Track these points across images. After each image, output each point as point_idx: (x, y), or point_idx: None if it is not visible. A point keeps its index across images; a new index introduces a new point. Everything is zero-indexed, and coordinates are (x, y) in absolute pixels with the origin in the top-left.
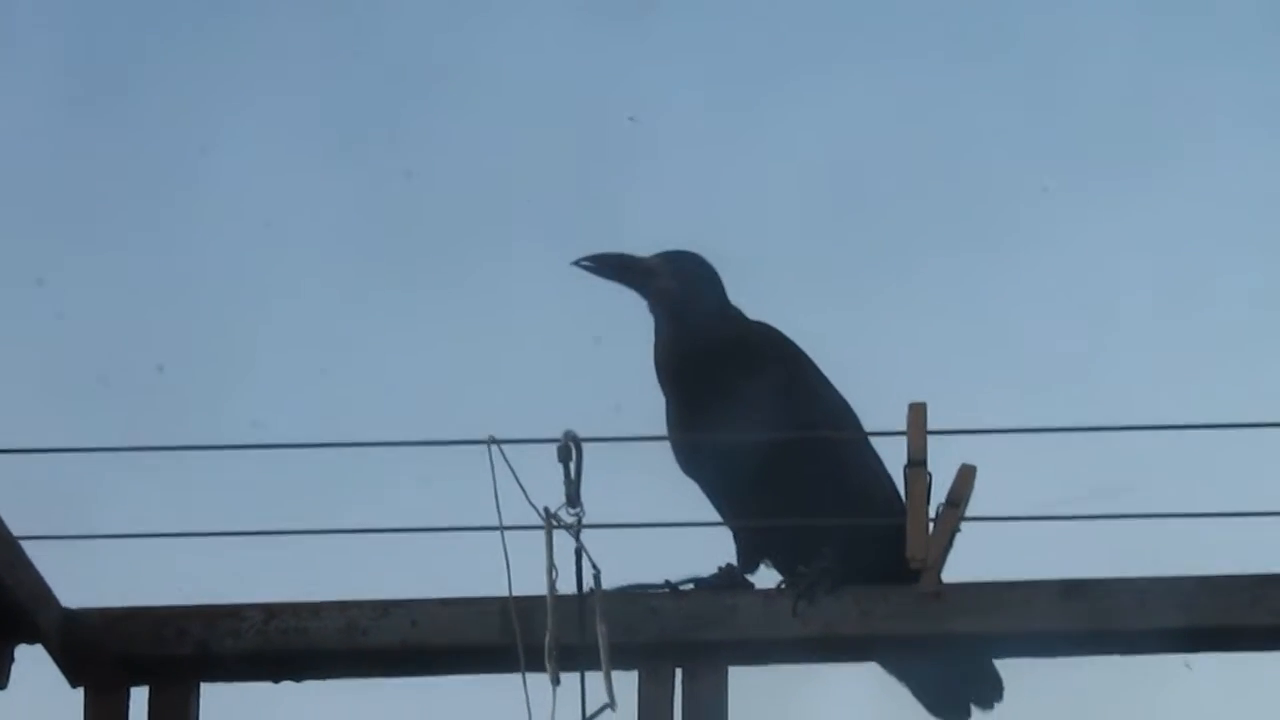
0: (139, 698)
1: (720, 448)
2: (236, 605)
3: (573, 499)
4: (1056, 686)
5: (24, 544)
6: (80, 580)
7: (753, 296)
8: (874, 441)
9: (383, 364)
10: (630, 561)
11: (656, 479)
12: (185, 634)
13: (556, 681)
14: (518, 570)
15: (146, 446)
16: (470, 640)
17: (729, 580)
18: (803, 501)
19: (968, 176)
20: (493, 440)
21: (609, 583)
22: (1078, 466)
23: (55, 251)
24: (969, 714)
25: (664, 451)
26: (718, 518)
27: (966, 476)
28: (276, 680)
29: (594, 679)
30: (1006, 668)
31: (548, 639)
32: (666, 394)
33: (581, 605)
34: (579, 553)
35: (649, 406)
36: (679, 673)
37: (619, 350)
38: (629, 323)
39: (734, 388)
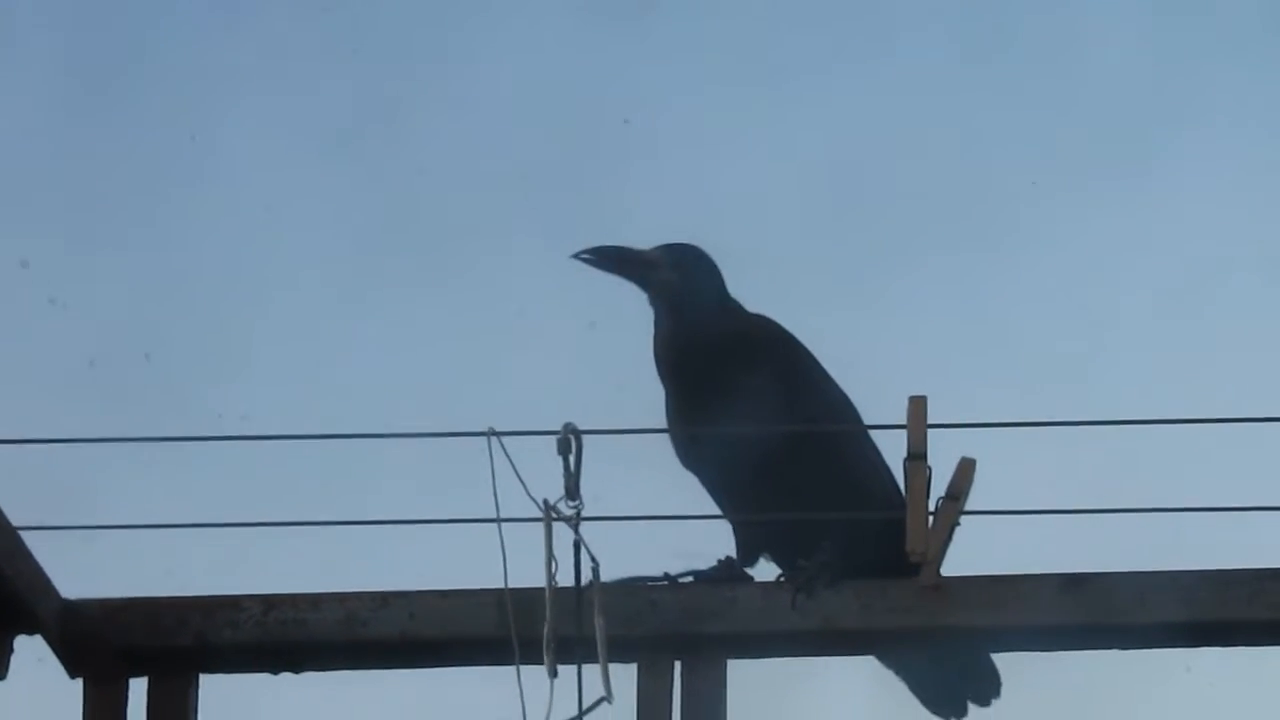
0: (138, 688)
1: (719, 441)
2: (235, 596)
3: (572, 491)
4: (1056, 681)
5: (23, 534)
6: (79, 571)
7: (753, 291)
8: (874, 435)
9: (382, 357)
10: (630, 554)
11: (657, 472)
12: (184, 625)
13: (554, 674)
14: (518, 563)
15: (147, 437)
16: (469, 632)
17: (728, 573)
18: (802, 495)
19: (969, 175)
20: (493, 432)
21: (609, 575)
22: (1078, 461)
23: (49, 241)
24: (966, 711)
25: (664, 444)
26: (717, 511)
27: (966, 470)
28: (275, 671)
29: (591, 672)
30: (1006, 662)
31: (546, 631)
32: (666, 387)
33: (580, 598)
34: (577, 545)
35: (649, 399)
36: (678, 665)
37: (618, 341)
38: (628, 313)
39: (733, 381)
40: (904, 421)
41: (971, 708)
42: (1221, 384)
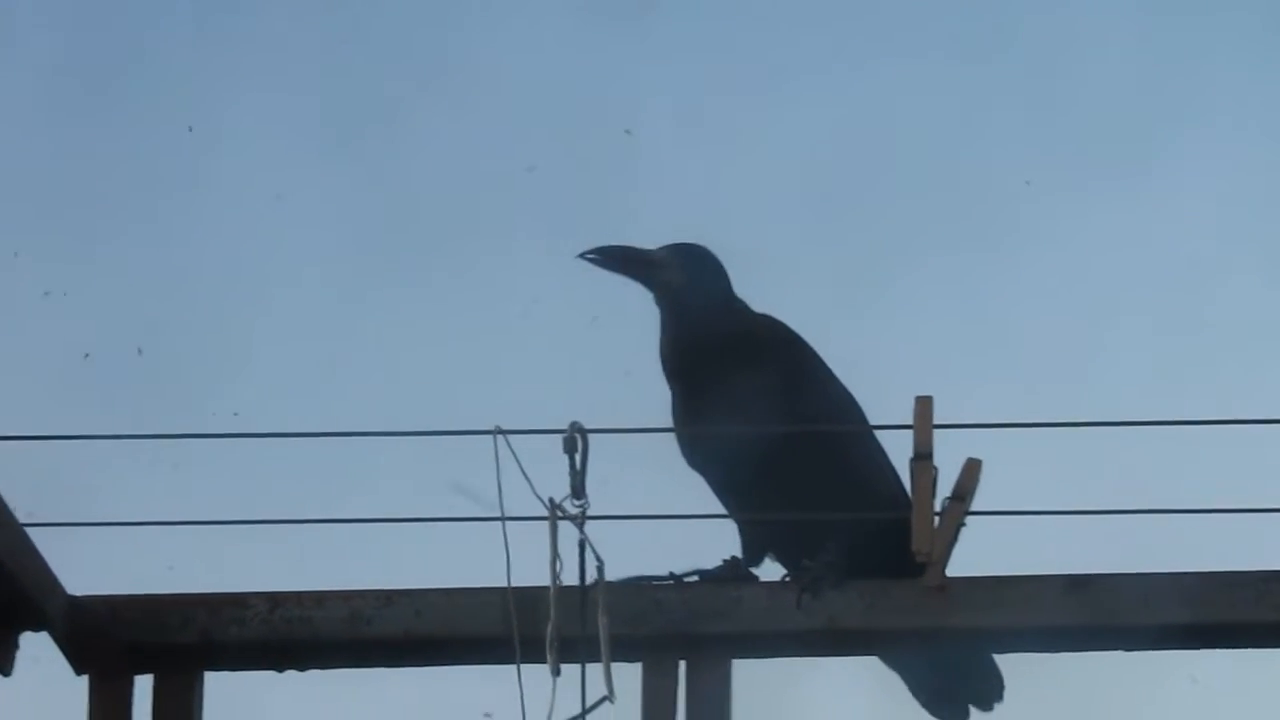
0: (143, 685)
1: (725, 441)
2: (241, 594)
3: (578, 490)
4: (1060, 682)
5: (29, 531)
6: (85, 567)
7: (756, 292)
8: (880, 435)
9: (388, 355)
10: (636, 553)
11: (662, 471)
12: (190, 622)
13: (557, 673)
14: (525, 561)
15: (152, 434)
16: (474, 631)
17: (734, 573)
18: (807, 495)
19: (971, 174)
20: (499, 430)
21: (613, 574)
22: (1082, 461)
23: (45, 236)
24: (968, 715)
25: (669, 444)
26: (723, 510)
27: (972, 470)
28: (280, 669)
29: (595, 671)
30: (1009, 663)
31: (549, 630)
32: (671, 386)
33: (584, 597)
34: (582, 544)
35: (655, 398)
36: (683, 665)
37: (623, 340)
38: (632, 311)
39: (738, 381)
40: (910, 421)
41: (973, 712)
42: (1225, 384)
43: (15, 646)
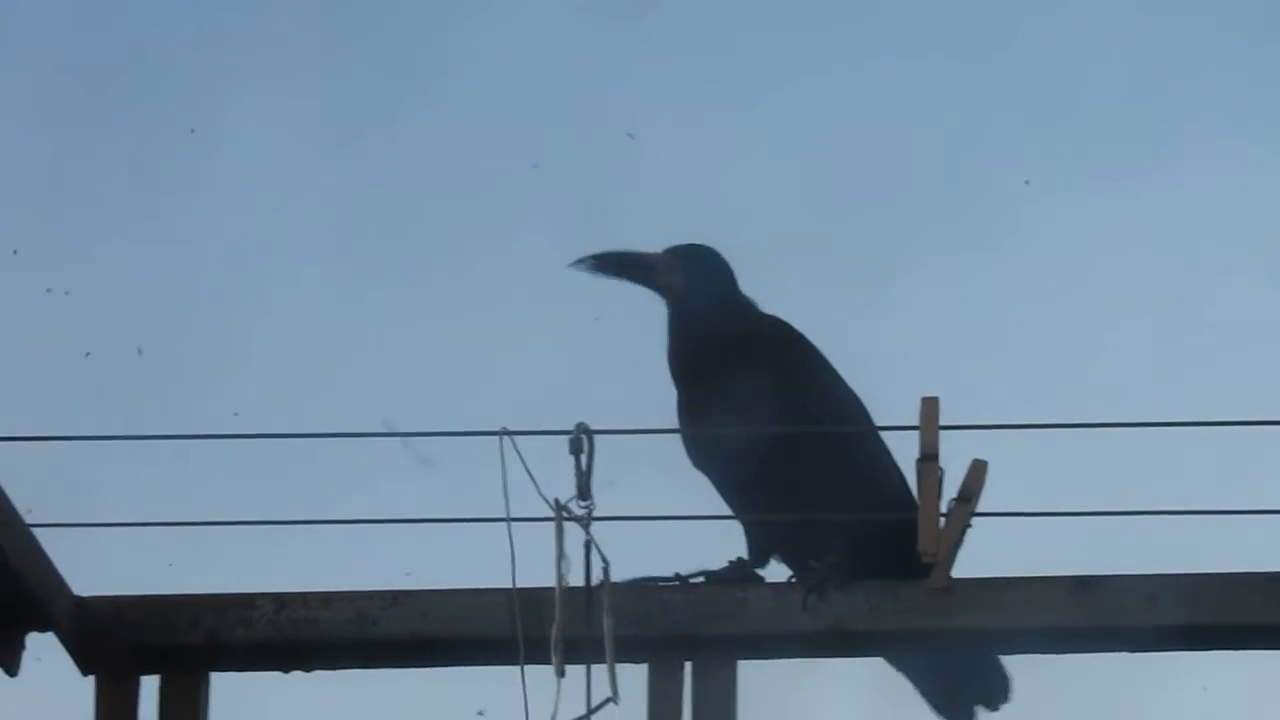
0: (150, 686)
1: (731, 442)
2: (247, 595)
3: (583, 491)
4: (1066, 682)
5: (36, 532)
6: (92, 568)
7: (758, 292)
8: (886, 436)
9: (393, 356)
10: (641, 554)
11: (668, 472)
12: (196, 623)
13: (561, 674)
14: (531, 562)
15: (157, 435)
16: (480, 631)
17: (739, 574)
18: (813, 496)
19: (973, 175)
20: (505, 432)
21: (619, 575)
22: (1087, 462)
23: (46, 235)
24: (974, 715)
25: (675, 445)
26: (728, 511)
27: (978, 472)
28: (286, 670)
29: (600, 672)
30: (1015, 663)
31: (554, 631)
32: (677, 388)
33: (590, 598)
34: (588, 545)
35: (661, 401)
36: (688, 666)
37: (628, 340)
38: (636, 309)
39: (742, 382)
40: (916, 422)
41: (980, 712)
42: (1230, 385)
43: (21, 647)
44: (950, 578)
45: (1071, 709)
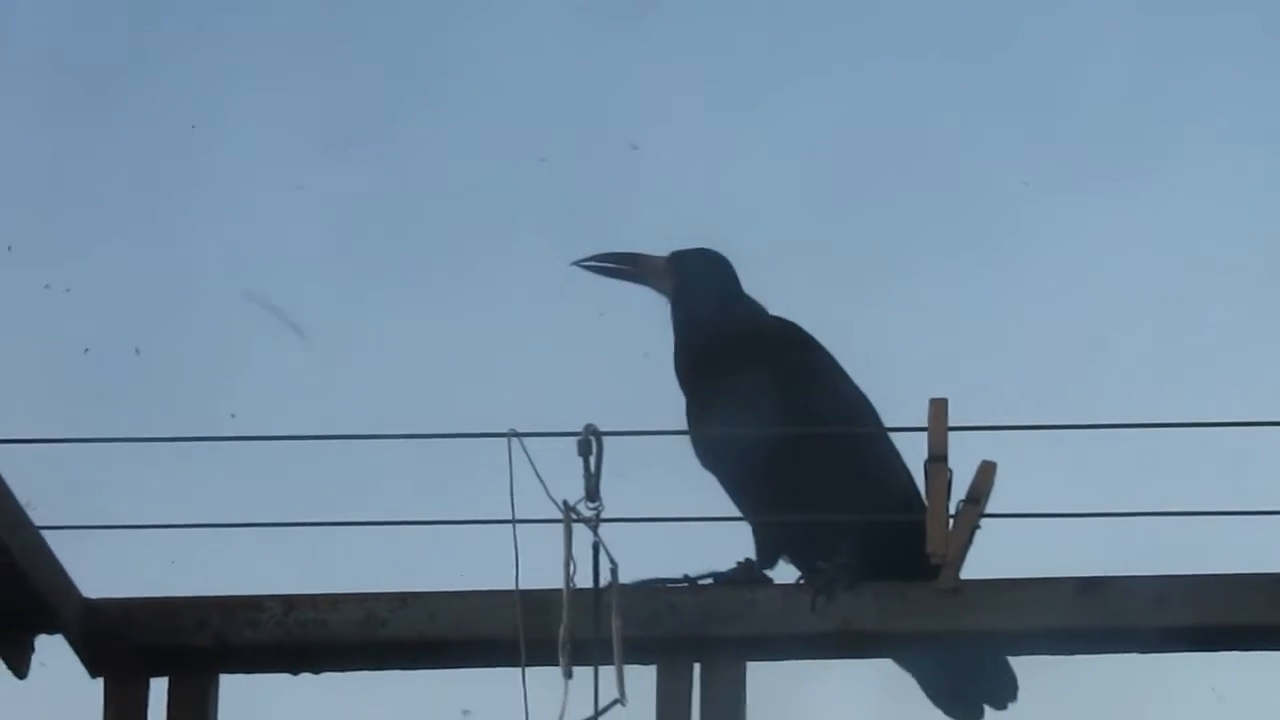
0: (158, 688)
1: (738, 443)
2: (256, 597)
3: (592, 493)
4: (1073, 684)
5: (45, 533)
6: (100, 570)
7: (758, 292)
8: (894, 437)
9: (399, 357)
10: (650, 556)
11: (677, 474)
12: (204, 625)
13: (568, 675)
14: (540, 564)
15: (170, 438)
16: (488, 633)
17: (748, 575)
18: (821, 497)
19: (971, 174)
20: (513, 433)
21: (627, 577)
22: (1095, 463)
23: (45, 233)
24: (982, 714)
25: (684, 446)
26: (737, 513)
27: (987, 473)
28: (295, 672)
29: (607, 674)
30: (1022, 664)
31: (560, 633)
32: (684, 389)
33: (598, 599)
34: (596, 547)
35: (669, 402)
36: (697, 667)
37: (638, 343)
38: (640, 308)
39: (749, 383)
40: (925, 423)
41: (988, 711)
42: (1236, 385)
43: (31, 649)
44: (959, 579)
45: (1079, 710)
